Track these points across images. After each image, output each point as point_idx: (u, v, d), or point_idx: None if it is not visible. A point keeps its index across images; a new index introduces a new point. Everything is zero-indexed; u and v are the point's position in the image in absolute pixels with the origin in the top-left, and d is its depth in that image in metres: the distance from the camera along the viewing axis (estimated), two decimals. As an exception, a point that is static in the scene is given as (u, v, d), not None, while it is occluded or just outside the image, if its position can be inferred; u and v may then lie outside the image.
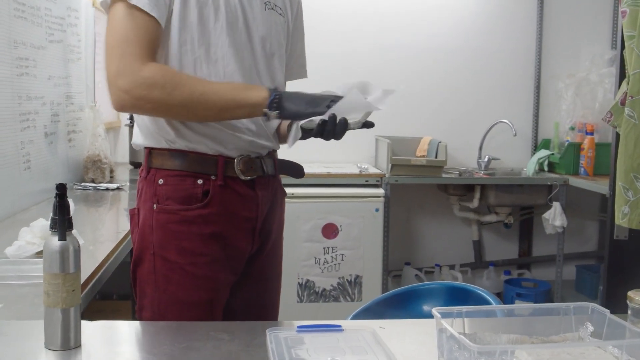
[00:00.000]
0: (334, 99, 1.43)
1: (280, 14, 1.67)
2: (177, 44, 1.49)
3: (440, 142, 4.01)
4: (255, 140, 1.59)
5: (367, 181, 3.87)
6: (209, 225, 1.53)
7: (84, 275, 1.62)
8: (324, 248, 3.72)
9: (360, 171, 3.93)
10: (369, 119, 1.51)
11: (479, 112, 4.43)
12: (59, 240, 1.07)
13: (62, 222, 1.07)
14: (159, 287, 1.53)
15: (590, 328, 1.14)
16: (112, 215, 2.70)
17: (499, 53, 4.43)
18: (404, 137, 4.24)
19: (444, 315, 1.12)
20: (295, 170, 1.82)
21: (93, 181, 3.08)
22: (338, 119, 1.43)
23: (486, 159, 4.30)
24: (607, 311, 1.12)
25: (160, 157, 1.56)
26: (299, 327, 1.21)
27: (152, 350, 1.19)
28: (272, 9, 1.64)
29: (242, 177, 1.57)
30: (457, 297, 1.82)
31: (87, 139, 3.14)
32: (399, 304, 1.88)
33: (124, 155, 3.98)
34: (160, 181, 1.54)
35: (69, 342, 1.12)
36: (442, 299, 1.83)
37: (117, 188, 3.01)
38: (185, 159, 1.53)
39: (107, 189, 2.98)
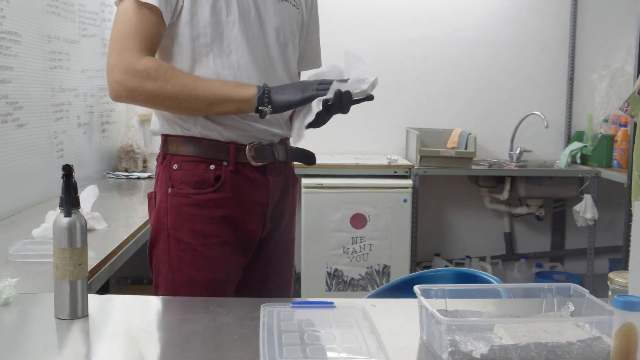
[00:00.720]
0: (321, 82, 1.48)
1: (294, 6, 1.72)
2: (190, 39, 1.56)
3: (470, 134, 4.02)
4: (268, 129, 1.64)
5: (395, 172, 3.90)
6: (220, 208, 1.60)
7: (104, 254, 1.73)
8: (352, 238, 3.78)
9: (389, 162, 3.97)
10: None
11: (511, 104, 4.41)
12: (65, 217, 1.16)
13: (68, 200, 1.16)
14: (172, 266, 1.61)
15: (572, 308, 1.17)
16: (143, 203, 2.81)
17: (532, 44, 4.40)
18: (435, 129, 4.26)
19: (427, 293, 1.17)
20: (307, 157, 1.86)
21: (126, 170, 3.20)
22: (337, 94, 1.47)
23: (518, 151, 4.28)
24: (586, 291, 1.15)
25: (175, 143, 1.63)
26: (292, 303, 1.27)
27: (151, 320, 1.27)
28: (286, 0, 1.69)
29: (253, 163, 1.62)
30: (465, 282, 1.85)
31: (120, 129, 3.26)
32: (409, 289, 1.92)
33: (159, 147, 4.09)
34: (175, 166, 1.62)
35: (77, 311, 1.21)
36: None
37: (149, 177, 3.12)
38: (199, 146, 1.60)
39: (139, 178, 3.10)
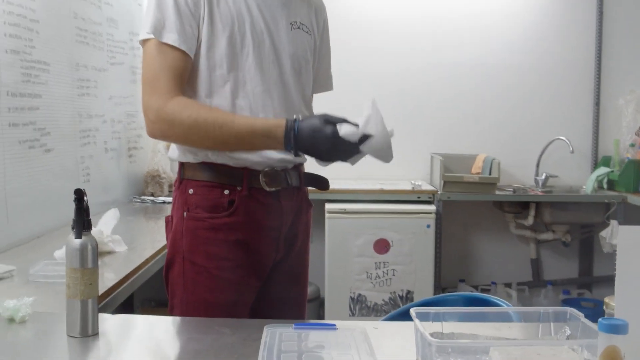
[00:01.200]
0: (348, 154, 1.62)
1: (307, 32, 1.77)
2: (207, 70, 1.62)
3: (494, 159, 4.02)
4: (282, 157, 1.68)
5: (419, 198, 3.91)
6: (234, 232, 1.64)
7: (121, 275, 1.79)
8: (375, 263, 3.79)
9: (413, 188, 3.98)
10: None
11: (536, 129, 4.40)
12: (76, 238, 1.22)
13: (79, 223, 1.22)
14: (187, 288, 1.65)
15: (568, 332, 1.18)
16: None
17: (557, 69, 4.39)
18: (459, 154, 4.27)
19: (425, 316, 1.19)
20: (320, 183, 1.90)
21: (152, 195, 3.28)
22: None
23: (544, 177, 4.26)
24: (581, 315, 1.17)
25: (191, 169, 1.69)
26: (295, 324, 1.31)
27: (159, 339, 1.32)
28: (299, 27, 1.74)
29: (267, 189, 1.67)
30: (475, 306, 1.85)
31: (147, 155, 3.34)
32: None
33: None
34: (191, 191, 1.67)
35: (87, 329, 1.26)
36: (460, 309, 1.87)
37: (174, 201, 3.19)
38: (214, 171, 1.66)
39: (164, 202, 3.17)
